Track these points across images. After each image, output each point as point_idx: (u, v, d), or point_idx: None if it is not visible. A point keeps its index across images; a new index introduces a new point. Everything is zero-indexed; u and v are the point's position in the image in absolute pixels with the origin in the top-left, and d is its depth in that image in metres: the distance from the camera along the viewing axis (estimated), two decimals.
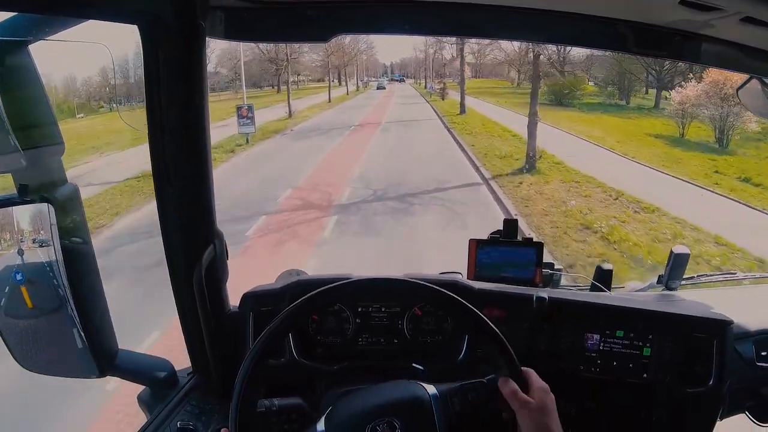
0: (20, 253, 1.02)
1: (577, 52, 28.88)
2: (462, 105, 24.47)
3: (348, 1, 1.09)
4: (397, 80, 62.09)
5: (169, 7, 0.93)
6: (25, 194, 0.98)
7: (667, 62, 22.44)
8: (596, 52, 25.72)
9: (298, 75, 43.90)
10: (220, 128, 17.74)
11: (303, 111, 27.08)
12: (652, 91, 26.45)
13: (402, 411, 0.92)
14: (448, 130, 19.94)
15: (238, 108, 17.28)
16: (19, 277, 1.03)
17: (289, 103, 25.22)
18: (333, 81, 44.05)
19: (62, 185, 1.01)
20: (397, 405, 0.93)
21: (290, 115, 24.94)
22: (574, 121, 20.25)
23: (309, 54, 36.75)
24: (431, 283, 0.95)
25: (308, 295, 0.90)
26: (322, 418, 0.92)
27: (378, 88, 47.73)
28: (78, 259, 1.02)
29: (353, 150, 15.81)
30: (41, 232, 1.01)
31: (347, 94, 41.39)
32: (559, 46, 27.10)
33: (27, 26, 0.96)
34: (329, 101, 33.54)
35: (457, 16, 1.12)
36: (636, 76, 26.93)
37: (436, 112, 26.25)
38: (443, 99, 30.74)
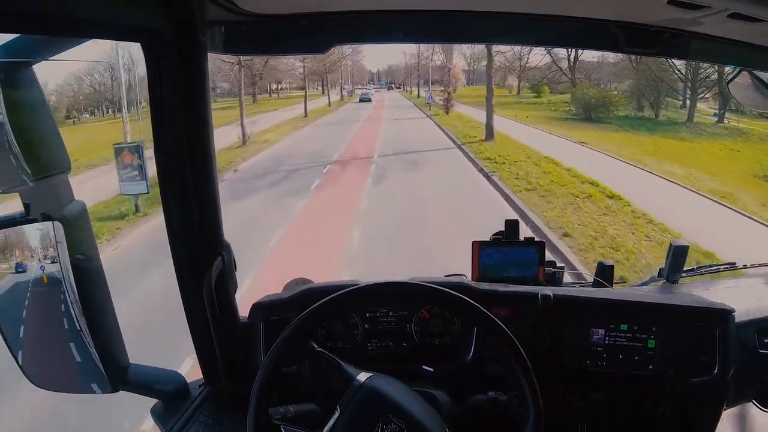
0: (42, 269, 1.03)
1: (589, 56, 28.15)
2: (489, 128, 16.85)
3: (344, 12, 1.11)
4: (384, 88, 57.41)
5: (170, 24, 0.94)
6: (32, 213, 0.98)
7: (701, 67, 20.31)
8: (609, 56, 25.08)
9: (280, 83, 41.08)
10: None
11: (267, 132, 20.59)
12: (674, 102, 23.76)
13: (414, 416, 0.94)
14: (486, 176, 11.80)
15: (117, 150, 8.10)
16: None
17: (242, 124, 18.33)
18: (316, 89, 41.52)
19: (70, 202, 1.02)
20: (415, 409, 0.95)
21: (244, 141, 17.95)
22: (621, 143, 16.23)
23: (288, 60, 30.99)
24: (440, 285, 0.97)
25: (318, 303, 0.91)
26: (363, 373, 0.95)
27: (361, 101, 40.06)
28: (87, 276, 1.02)
29: (322, 234, 7.97)
30: (50, 249, 1.02)
31: (329, 105, 36.22)
32: (568, 50, 27.07)
33: (31, 47, 0.97)
34: (305, 115, 27.83)
35: (450, 23, 1.15)
36: (669, 85, 23.05)
37: (448, 136, 18.71)
38: (447, 113, 25.98)
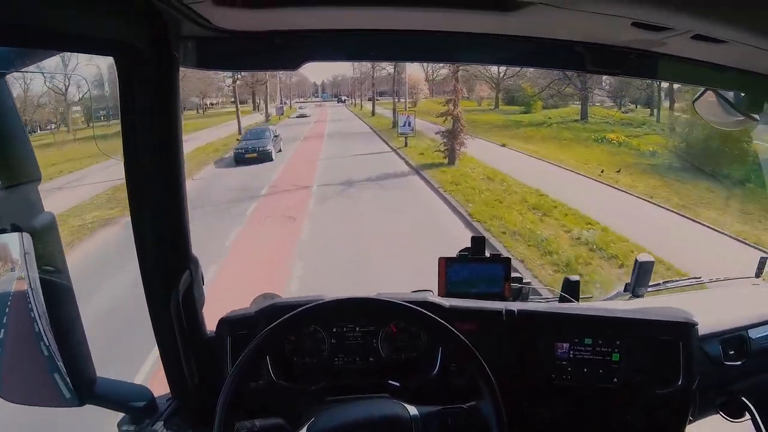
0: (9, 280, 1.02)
1: None
2: None
3: (316, 31, 1.13)
4: (326, 101, 48.78)
5: (143, 38, 0.95)
6: (1, 223, 0.98)
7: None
8: None
9: (204, 97, 33.51)
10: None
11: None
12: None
13: (382, 429, 0.95)
14: None
15: None
16: None
17: None
18: (248, 103, 34.23)
19: (40, 213, 1.02)
20: (378, 422, 0.97)
21: None
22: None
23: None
24: (405, 301, 0.98)
25: (282, 318, 0.92)
26: (305, 428, 0.93)
27: (298, 117, 33.31)
28: (55, 288, 1.02)
29: None
30: (17, 261, 1.01)
31: (267, 120, 28.67)
32: None
33: (3, 59, 0.98)
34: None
35: (418, 42, 1.18)
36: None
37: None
38: (454, 163, 14.64)
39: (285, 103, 41.29)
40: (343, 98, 48.38)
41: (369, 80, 35.88)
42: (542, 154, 16.20)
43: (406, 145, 18.07)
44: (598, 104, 23.70)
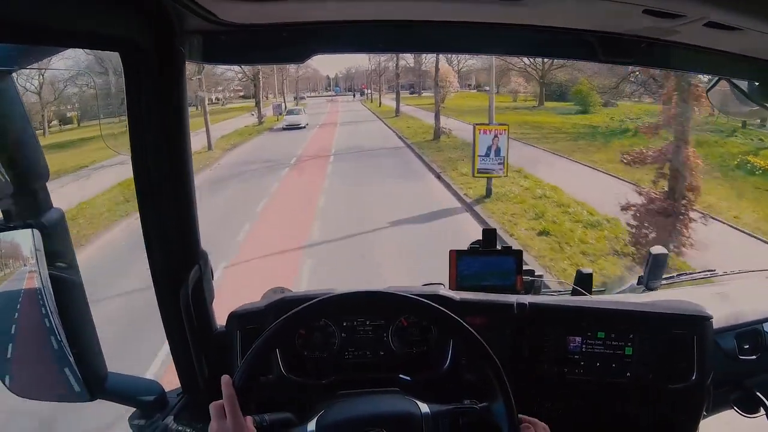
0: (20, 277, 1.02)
1: None
2: None
3: (323, 22, 1.12)
4: (338, 96, 46.34)
5: (149, 33, 0.95)
6: (9, 220, 0.98)
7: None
8: None
9: (217, 91, 31.64)
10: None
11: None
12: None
13: (393, 424, 0.95)
14: None
15: None
16: None
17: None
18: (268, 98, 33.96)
19: (48, 210, 1.02)
20: (390, 418, 0.96)
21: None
22: None
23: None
24: (414, 295, 0.97)
25: (292, 311, 0.92)
26: (314, 419, 0.93)
27: (286, 128, 24.66)
28: (66, 284, 1.02)
29: None
30: (28, 257, 1.02)
31: (260, 123, 25.23)
32: None
33: (9, 56, 0.98)
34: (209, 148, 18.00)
35: (428, 33, 1.16)
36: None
37: None
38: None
39: (300, 97, 39.74)
40: (364, 91, 43.91)
41: (388, 72, 34.25)
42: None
43: (489, 196, 10.54)
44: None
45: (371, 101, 40.35)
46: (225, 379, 0.88)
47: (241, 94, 35.34)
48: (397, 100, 29.27)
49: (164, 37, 0.98)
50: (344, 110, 34.77)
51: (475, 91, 36.84)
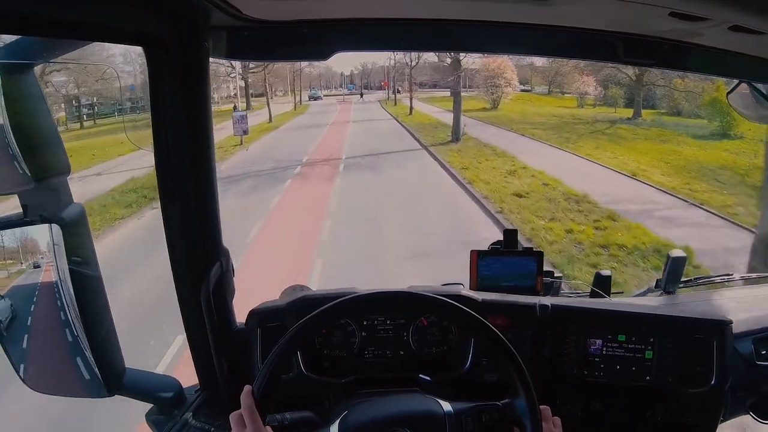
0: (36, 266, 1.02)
1: None
2: None
3: (346, 20, 1.11)
4: (350, 92, 41.58)
5: (173, 28, 0.95)
6: (30, 215, 0.98)
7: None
8: None
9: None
10: None
11: None
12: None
13: (416, 424, 0.94)
14: None
15: None
16: None
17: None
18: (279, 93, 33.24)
19: (69, 205, 1.02)
20: (412, 417, 0.96)
21: None
22: None
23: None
24: (436, 294, 0.97)
25: (315, 311, 0.91)
26: (336, 422, 0.93)
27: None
28: (85, 279, 1.02)
29: None
30: (48, 252, 1.01)
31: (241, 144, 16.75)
32: None
33: (32, 49, 0.97)
34: None
35: (451, 32, 1.17)
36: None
37: None
38: None
39: (313, 96, 37.55)
40: (385, 88, 35.97)
41: (410, 68, 27.38)
42: None
43: None
44: None
45: (394, 104, 30.94)
46: (246, 389, 0.87)
47: (249, 91, 30.41)
48: (456, 111, 17.39)
49: (188, 33, 0.97)
50: (358, 118, 26.33)
51: (530, 91, 29.07)
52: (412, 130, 20.73)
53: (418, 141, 18.13)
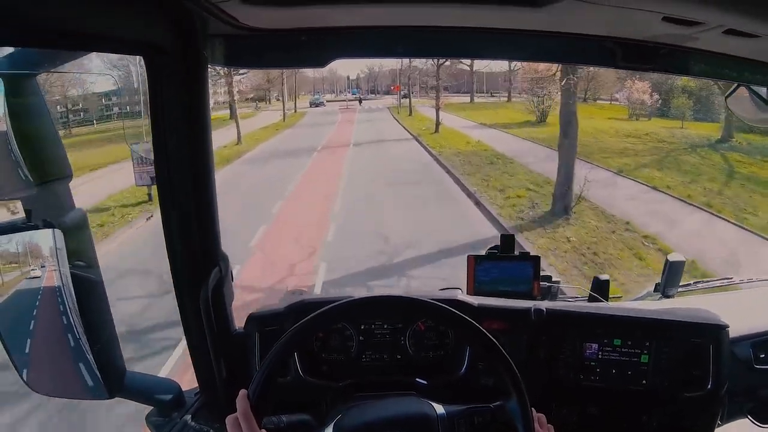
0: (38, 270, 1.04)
1: None
2: None
3: (342, 28, 1.13)
4: (355, 97, 37.57)
5: (171, 37, 0.96)
6: (33, 220, 1.00)
7: None
8: None
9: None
10: None
11: None
12: None
13: (409, 427, 0.96)
14: None
15: None
16: None
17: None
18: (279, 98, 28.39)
19: (71, 210, 1.04)
20: (406, 420, 0.97)
21: None
22: None
23: None
24: (432, 299, 0.98)
25: (311, 315, 0.92)
26: (331, 425, 0.94)
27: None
28: (86, 283, 1.03)
29: None
30: (49, 256, 1.03)
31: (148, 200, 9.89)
32: None
33: (34, 59, 1.00)
34: None
35: (448, 38, 1.17)
36: None
37: None
38: None
39: (315, 103, 33.05)
40: (396, 93, 31.27)
41: (423, 71, 24.22)
42: None
43: None
44: None
45: (409, 113, 25.26)
46: (241, 393, 0.88)
47: (250, 96, 29.72)
48: (566, 157, 9.50)
49: (188, 41, 0.99)
50: (362, 138, 19.18)
51: (591, 101, 22.57)
52: (451, 166, 13.26)
53: (482, 207, 10.06)
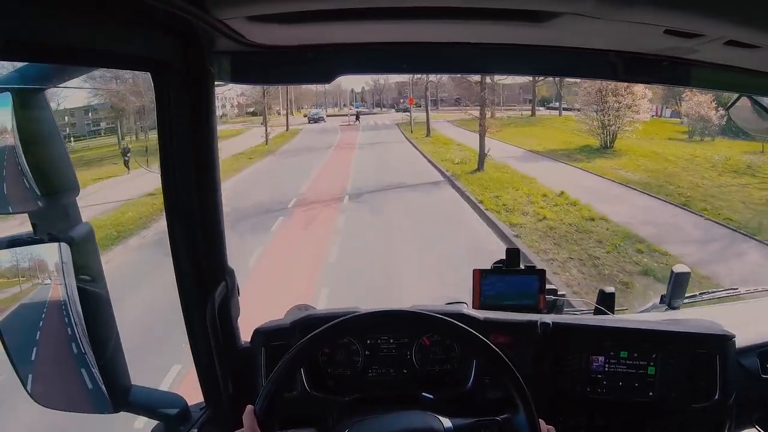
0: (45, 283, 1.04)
1: None
2: None
3: (347, 44, 1.14)
4: (363, 112, 34.58)
5: (179, 54, 0.98)
6: (40, 233, 1.01)
7: None
8: None
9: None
10: None
11: None
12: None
13: None
14: None
15: None
16: None
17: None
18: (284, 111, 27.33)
19: (77, 224, 1.04)
20: None
21: None
22: None
23: None
24: (437, 314, 0.98)
25: (318, 330, 0.93)
26: None
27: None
28: (93, 297, 1.04)
29: None
30: (56, 270, 1.03)
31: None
32: None
33: (43, 74, 1.01)
34: None
35: (451, 54, 1.19)
36: None
37: None
38: None
39: (314, 118, 30.62)
40: (407, 108, 28.47)
41: (433, 83, 21.16)
42: None
43: None
44: None
45: (426, 134, 21.47)
46: (248, 408, 0.88)
47: (251, 110, 27.99)
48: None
49: (194, 58, 1.00)
50: (361, 185, 12.65)
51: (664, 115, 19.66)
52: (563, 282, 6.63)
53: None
